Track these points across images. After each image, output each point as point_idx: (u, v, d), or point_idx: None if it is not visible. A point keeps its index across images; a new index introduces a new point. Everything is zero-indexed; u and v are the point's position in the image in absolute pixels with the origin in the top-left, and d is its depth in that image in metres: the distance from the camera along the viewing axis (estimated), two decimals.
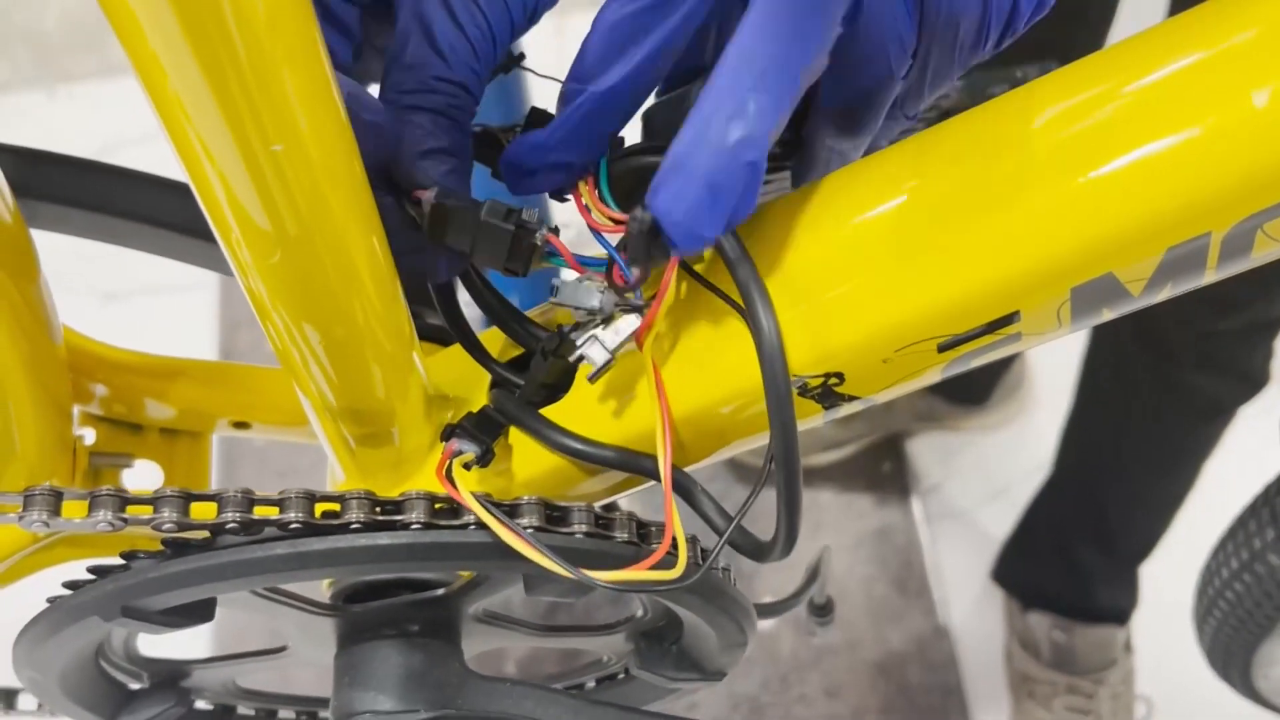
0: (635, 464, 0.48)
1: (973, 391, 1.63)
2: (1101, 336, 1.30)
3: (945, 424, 1.66)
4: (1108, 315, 0.44)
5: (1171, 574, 1.27)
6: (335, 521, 0.45)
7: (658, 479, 0.47)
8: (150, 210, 0.56)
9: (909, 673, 1.54)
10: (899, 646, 1.55)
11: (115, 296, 1.78)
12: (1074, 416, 1.38)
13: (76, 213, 0.56)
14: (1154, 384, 1.22)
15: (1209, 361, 1.17)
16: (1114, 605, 1.45)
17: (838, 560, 1.59)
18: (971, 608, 1.57)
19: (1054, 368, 1.66)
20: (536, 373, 0.50)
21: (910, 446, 1.68)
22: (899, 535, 1.62)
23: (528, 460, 0.50)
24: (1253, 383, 1.18)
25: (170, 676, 0.59)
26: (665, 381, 0.46)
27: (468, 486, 0.45)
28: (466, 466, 0.48)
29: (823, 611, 0.79)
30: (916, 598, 1.58)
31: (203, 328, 1.78)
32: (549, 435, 0.49)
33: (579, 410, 0.49)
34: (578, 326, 0.49)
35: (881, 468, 1.67)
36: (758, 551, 0.48)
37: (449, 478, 0.46)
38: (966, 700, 1.52)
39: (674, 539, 0.45)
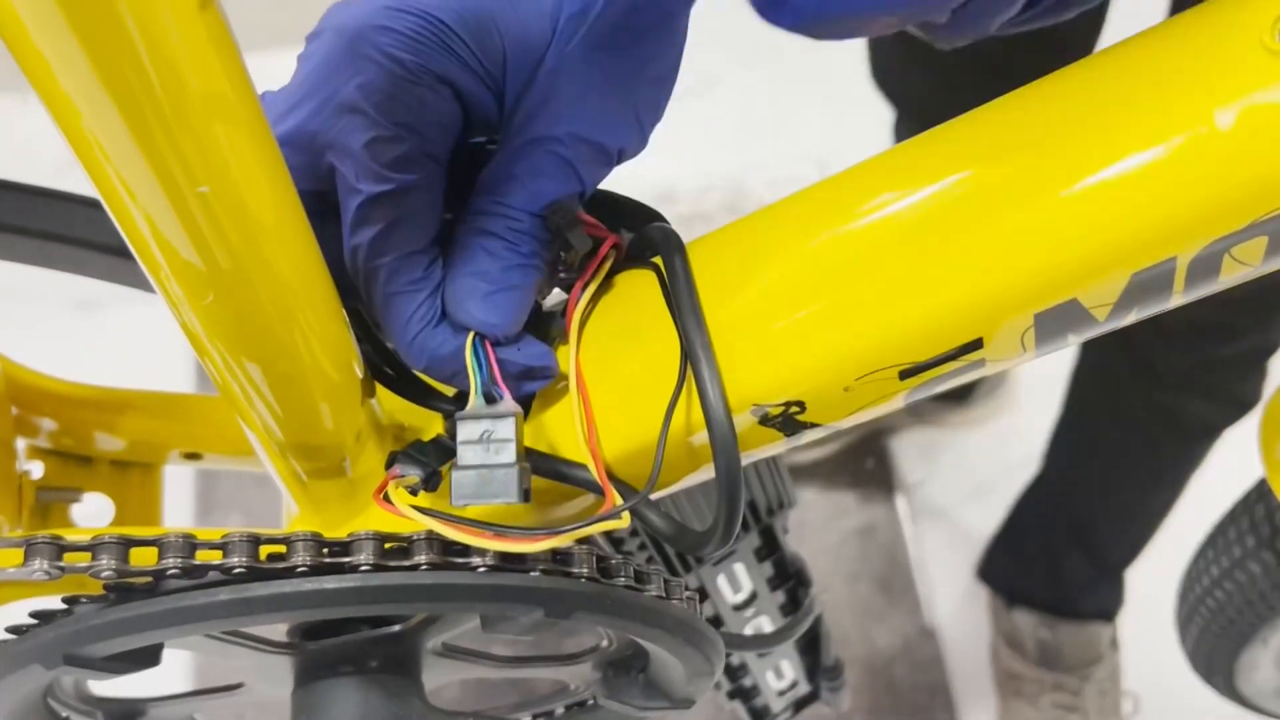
0: (572, 475, 0.47)
1: (956, 388, 1.62)
2: (1089, 356, 1.28)
3: (928, 421, 1.65)
4: (1073, 340, 0.43)
5: (1157, 571, 1.26)
6: (281, 565, 0.43)
7: (597, 490, 0.46)
8: (91, 234, 0.55)
9: (895, 671, 1.53)
10: (884, 645, 1.54)
11: (89, 305, 1.76)
12: (1060, 428, 1.38)
13: (16, 239, 0.55)
14: (1146, 407, 1.21)
15: (1205, 388, 1.16)
16: (1099, 605, 1.44)
17: (823, 559, 1.59)
18: (957, 605, 1.56)
19: (1037, 364, 1.65)
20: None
21: (893, 444, 1.67)
22: (883, 533, 1.61)
23: None
24: (1245, 405, 1.17)
25: (125, 715, 0.57)
26: (613, 416, 0.46)
27: (406, 503, 0.44)
28: (413, 491, 0.46)
29: (833, 674, 0.77)
30: (901, 595, 1.57)
31: (179, 337, 1.76)
32: None
33: (533, 439, 0.48)
34: None
35: (865, 465, 1.66)
36: (695, 542, 0.47)
37: (385, 499, 0.45)
38: (953, 698, 1.52)
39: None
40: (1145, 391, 1.20)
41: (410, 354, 0.45)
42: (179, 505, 1.61)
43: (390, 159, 0.42)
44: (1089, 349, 1.28)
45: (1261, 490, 0.84)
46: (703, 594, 0.70)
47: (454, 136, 0.44)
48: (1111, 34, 0.88)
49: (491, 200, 0.44)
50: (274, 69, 0.48)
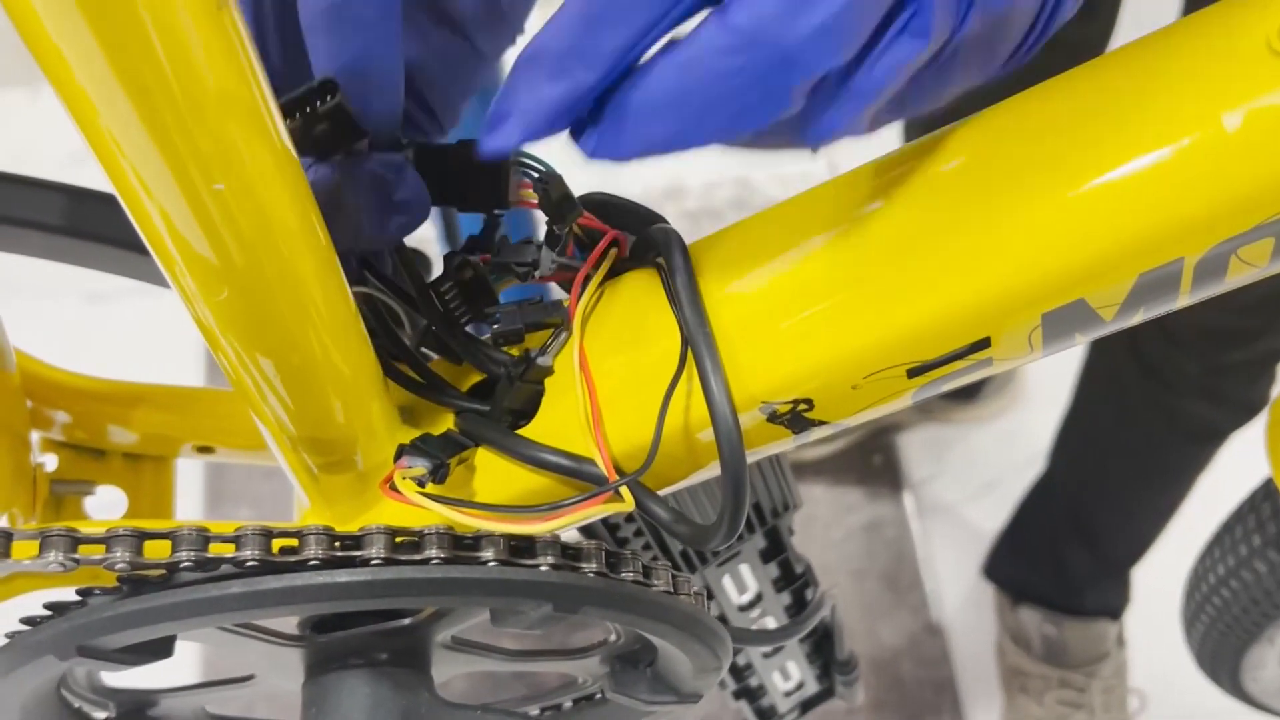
0: (577, 468, 0.47)
1: (964, 386, 1.62)
2: (1097, 358, 1.29)
3: (936, 417, 1.65)
4: (1081, 340, 0.43)
5: (1164, 568, 1.26)
6: (293, 558, 0.44)
7: (603, 480, 0.46)
8: (104, 228, 0.55)
9: (901, 668, 1.53)
10: (890, 641, 1.54)
11: (100, 298, 1.77)
12: (1066, 426, 1.38)
13: (32, 233, 0.55)
14: (1152, 410, 1.21)
15: (1212, 393, 1.16)
16: (1105, 602, 1.44)
17: (829, 556, 1.59)
18: (963, 602, 1.57)
19: (1045, 363, 1.65)
20: (502, 398, 0.49)
21: (901, 440, 1.67)
22: (890, 529, 1.61)
23: (492, 486, 0.49)
24: (1253, 410, 1.17)
25: (137, 706, 0.58)
26: (618, 409, 0.46)
27: (412, 490, 0.45)
28: (420, 483, 0.47)
29: (847, 668, 0.77)
30: (908, 592, 1.57)
31: (189, 329, 1.76)
32: (512, 445, 0.48)
33: (544, 435, 0.48)
34: (544, 350, 0.49)
35: (872, 461, 1.66)
36: (699, 534, 0.47)
37: (392, 488, 0.45)
38: (959, 695, 1.52)
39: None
40: (1153, 394, 1.20)
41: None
42: (188, 498, 1.61)
43: None
44: (1097, 351, 1.28)
45: (1268, 489, 0.84)
46: (708, 594, 0.70)
47: None
48: (1123, 36, 0.88)
49: None
50: None
